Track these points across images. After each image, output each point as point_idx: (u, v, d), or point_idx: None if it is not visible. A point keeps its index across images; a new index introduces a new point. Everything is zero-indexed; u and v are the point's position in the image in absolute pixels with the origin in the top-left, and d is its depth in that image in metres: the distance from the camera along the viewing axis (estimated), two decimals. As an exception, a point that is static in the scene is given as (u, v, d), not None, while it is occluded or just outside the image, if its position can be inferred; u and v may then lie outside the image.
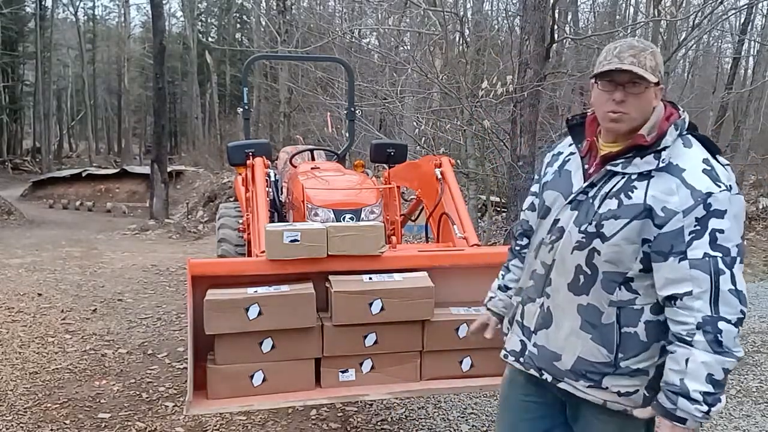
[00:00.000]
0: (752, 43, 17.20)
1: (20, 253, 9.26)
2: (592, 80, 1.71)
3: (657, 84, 1.67)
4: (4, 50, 31.99)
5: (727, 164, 1.66)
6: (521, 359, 1.88)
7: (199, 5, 40.34)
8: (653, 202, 1.60)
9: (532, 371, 1.85)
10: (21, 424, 3.52)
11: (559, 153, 1.91)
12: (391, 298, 2.64)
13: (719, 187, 1.58)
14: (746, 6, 13.82)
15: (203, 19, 41.86)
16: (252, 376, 2.60)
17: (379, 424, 3.65)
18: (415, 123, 10.42)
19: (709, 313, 1.56)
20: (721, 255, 1.56)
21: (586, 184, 1.73)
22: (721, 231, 1.57)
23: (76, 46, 39.00)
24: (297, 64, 17.04)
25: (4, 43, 32.17)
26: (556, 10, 8.37)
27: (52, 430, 3.48)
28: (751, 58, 18.56)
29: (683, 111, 1.72)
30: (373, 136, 9.81)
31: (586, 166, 1.78)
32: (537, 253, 1.85)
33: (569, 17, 14.26)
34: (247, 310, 2.51)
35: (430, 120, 9.74)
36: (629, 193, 1.64)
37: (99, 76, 42.75)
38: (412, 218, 4.89)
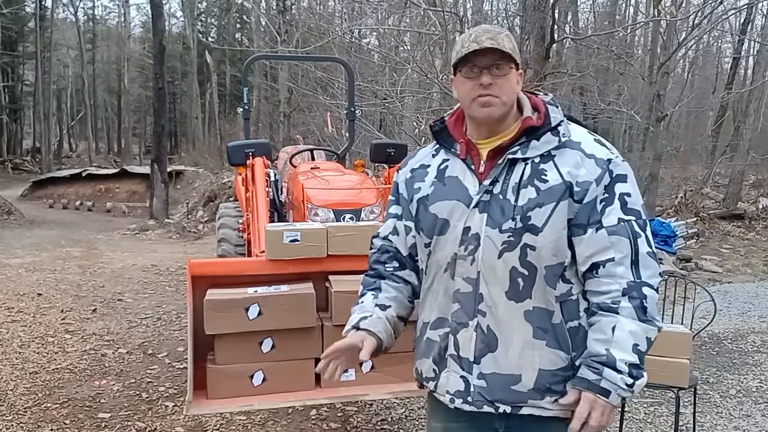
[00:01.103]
0: (752, 43, 17.21)
1: (20, 253, 9.26)
2: (452, 74, 1.61)
3: (518, 67, 1.59)
4: (4, 50, 31.96)
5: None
6: (469, 398, 1.59)
7: (199, 5, 40.33)
8: (571, 178, 1.52)
9: (486, 408, 1.58)
10: (21, 424, 3.51)
11: (424, 166, 1.70)
12: (391, 298, 2.64)
13: (613, 153, 1.57)
14: (746, 6, 13.83)
15: (203, 19, 41.85)
16: (252, 376, 2.60)
17: (379, 424, 3.65)
18: (415, 123, 10.43)
19: (632, 279, 1.50)
20: (634, 218, 1.52)
21: (488, 182, 1.56)
22: (629, 194, 1.54)
23: (76, 46, 38.99)
24: (297, 64, 17.04)
25: (4, 43, 32.14)
26: (556, 10, 8.37)
27: (52, 430, 3.48)
28: (751, 58, 18.57)
29: (543, 92, 1.70)
30: (373, 136, 9.81)
31: (473, 167, 1.61)
32: (453, 270, 1.60)
33: (569, 17, 14.27)
34: (247, 310, 2.51)
35: (430, 120, 9.73)
36: (542, 176, 1.53)
37: (99, 76, 42.74)
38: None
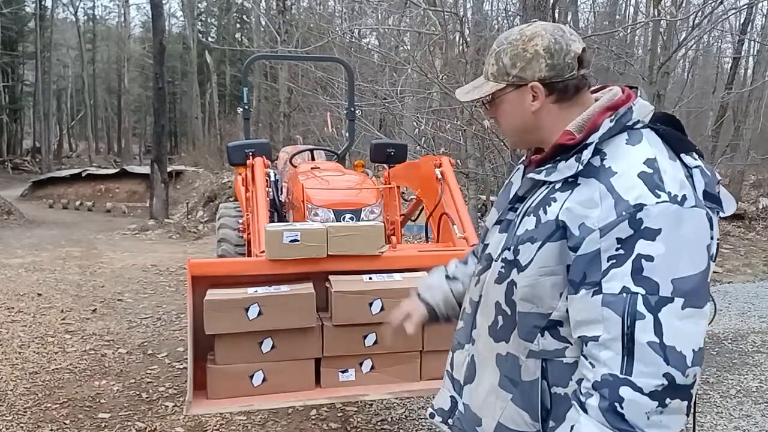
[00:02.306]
0: (752, 43, 17.20)
1: (20, 253, 9.27)
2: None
3: (517, 85, 1.30)
4: (4, 50, 31.97)
5: (697, 166, 1.23)
6: (450, 420, 1.50)
7: (199, 5, 40.34)
8: (567, 217, 1.20)
9: None
10: (21, 424, 3.51)
11: (521, 161, 1.51)
12: (391, 298, 2.64)
13: (657, 196, 1.14)
14: (746, 6, 13.82)
15: (203, 19, 41.86)
16: (252, 376, 2.60)
17: (379, 424, 3.65)
18: (415, 123, 10.43)
19: (616, 372, 1.13)
20: (644, 291, 1.12)
21: (513, 197, 1.38)
22: (650, 258, 1.13)
23: (76, 46, 39.01)
24: (297, 64, 17.05)
25: (4, 43, 32.15)
26: (556, 10, 8.37)
27: (52, 430, 3.48)
28: (751, 58, 18.56)
29: (638, 98, 1.29)
30: (373, 136, 9.81)
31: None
32: (469, 287, 1.49)
33: (569, 17, 14.25)
34: (247, 310, 2.51)
35: (430, 120, 9.75)
36: (547, 207, 1.25)
37: (99, 76, 42.76)
38: (412, 218, 4.89)
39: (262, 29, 21.88)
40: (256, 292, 2.56)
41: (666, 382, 1.11)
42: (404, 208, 4.83)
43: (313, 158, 5.08)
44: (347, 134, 5.93)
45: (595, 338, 1.16)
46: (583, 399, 1.18)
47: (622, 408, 1.12)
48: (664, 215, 1.14)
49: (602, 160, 1.23)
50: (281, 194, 4.53)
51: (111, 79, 43.12)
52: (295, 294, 2.59)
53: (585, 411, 1.17)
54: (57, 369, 4.36)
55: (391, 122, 12.10)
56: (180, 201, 19.21)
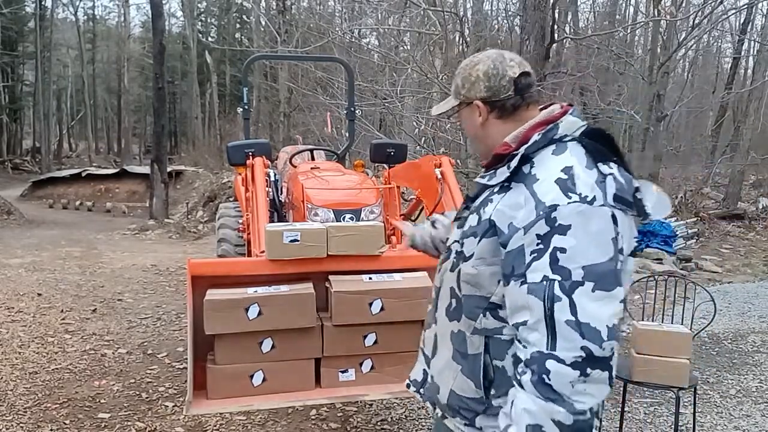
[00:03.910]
0: (752, 43, 17.21)
1: (20, 253, 9.27)
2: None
3: (466, 103, 1.57)
4: (4, 50, 31.96)
5: (610, 174, 1.39)
6: (422, 390, 1.70)
7: (199, 5, 40.34)
8: (498, 218, 1.41)
9: (428, 404, 1.69)
10: (21, 424, 3.51)
11: None
12: (391, 298, 2.64)
13: (569, 198, 1.33)
14: (746, 6, 13.83)
15: (203, 18, 41.86)
16: (252, 376, 2.60)
17: (379, 424, 3.65)
18: (415, 123, 10.43)
19: (543, 349, 1.30)
20: (559, 278, 1.30)
21: (465, 198, 1.61)
22: (563, 250, 1.30)
23: (76, 46, 39.00)
24: (297, 64, 17.04)
25: (4, 43, 32.14)
26: (556, 10, 8.37)
27: (52, 430, 3.48)
28: (751, 58, 18.56)
29: (568, 116, 1.48)
30: (373, 136, 9.81)
31: None
32: (436, 274, 1.71)
33: (569, 17, 14.25)
34: (247, 310, 2.51)
35: (430, 120, 9.75)
36: (485, 207, 1.46)
37: (99, 76, 42.75)
38: (412, 218, 4.89)
39: (262, 29, 21.89)
40: (256, 292, 2.56)
41: (584, 354, 1.28)
42: (404, 208, 4.84)
43: (313, 158, 5.08)
44: (347, 134, 5.93)
45: (524, 323, 1.34)
46: (519, 377, 1.34)
47: (549, 379, 1.29)
48: (574, 213, 1.32)
49: (531, 168, 1.43)
50: (281, 194, 4.53)
51: (111, 79, 43.10)
52: (295, 294, 2.59)
53: (522, 387, 1.33)
54: (57, 369, 4.36)
55: (391, 122, 12.11)
56: (180, 201, 19.21)
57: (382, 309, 2.62)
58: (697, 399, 3.48)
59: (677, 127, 19.19)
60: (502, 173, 1.46)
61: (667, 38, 10.55)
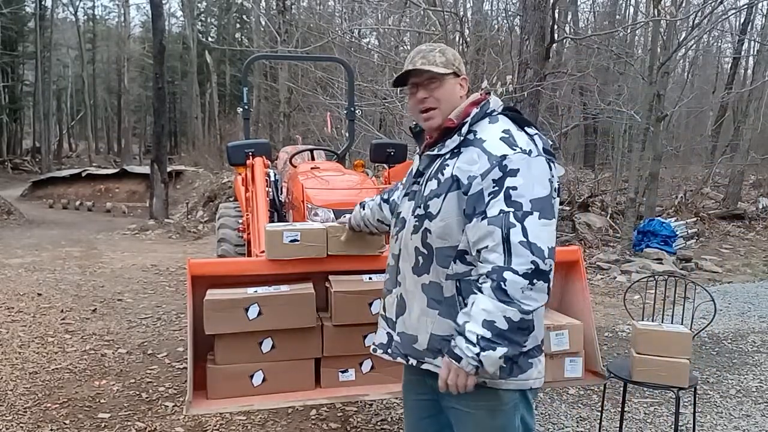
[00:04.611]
0: (752, 43, 17.21)
1: (20, 253, 9.27)
2: (399, 90, 1.83)
3: (457, 75, 1.87)
4: (4, 50, 31.94)
5: (536, 134, 1.78)
6: (389, 350, 1.97)
7: (199, 5, 40.34)
8: (458, 173, 1.74)
9: (399, 359, 1.94)
10: (21, 424, 3.52)
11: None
12: (391, 298, 2.64)
13: (514, 150, 1.70)
14: (746, 6, 13.84)
15: (203, 18, 41.85)
16: (252, 376, 2.60)
17: (379, 424, 3.65)
18: (414, 123, 10.41)
19: (500, 264, 1.63)
20: (513, 210, 1.64)
21: (414, 173, 1.94)
22: (515, 188, 1.66)
23: (76, 46, 38.99)
24: (297, 64, 17.04)
25: (4, 43, 32.12)
26: (556, 10, 8.37)
27: (51, 430, 3.48)
28: (751, 58, 18.58)
29: (492, 96, 1.89)
30: (373, 136, 9.82)
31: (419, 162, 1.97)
32: (390, 246, 2.00)
33: (569, 17, 14.27)
34: (247, 310, 2.51)
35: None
36: (443, 171, 1.79)
37: (99, 76, 42.74)
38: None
39: (262, 29, 21.88)
40: (256, 292, 2.56)
41: (533, 267, 1.63)
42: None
43: (313, 158, 5.08)
44: (347, 134, 5.93)
45: (486, 247, 1.67)
46: (479, 285, 1.66)
47: (505, 285, 1.62)
48: (520, 160, 1.69)
49: (474, 135, 1.80)
50: (281, 194, 4.53)
51: (111, 79, 43.09)
52: (295, 294, 2.59)
53: (481, 292, 1.65)
54: (57, 369, 4.36)
55: (391, 122, 12.12)
56: (180, 201, 19.22)
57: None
58: (697, 399, 3.48)
59: (677, 127, 19.20)
60: (453, 142, 1.81)
61: (667, 38, 10.54)
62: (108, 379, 4.22)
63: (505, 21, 11.63)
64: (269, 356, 2.60)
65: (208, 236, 11.91)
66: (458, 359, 1.66)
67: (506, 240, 1.63)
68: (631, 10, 18.48)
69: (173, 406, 3.79)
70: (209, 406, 2.60)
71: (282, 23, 17.53)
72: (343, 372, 2.73)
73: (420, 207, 1.83)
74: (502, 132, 1.76)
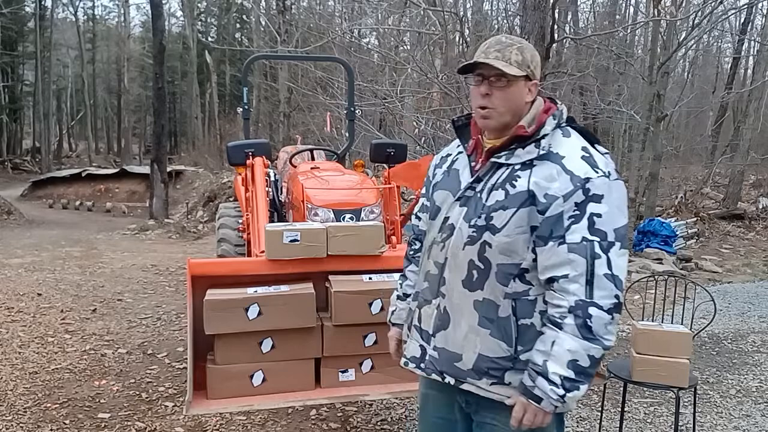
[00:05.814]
0: (752, 43, 17.21)
1: (20, 253, 9.26)
2: (464, 78, 1.77)
3: (528, 78, 1.70)
4: (4, 50, 31.92)
5: (607, 153, 1.69)
6: (422, 365, 1.84)
7: (199, 5, 40.30)
8: (536, 189, 1.61)
9: (434, 375, 1.80)
10: (21, 424, 3.51)
11: (448, 155, 1.91)
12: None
13: (597, 172, 1.60)
14: (746, 6, 13.84)
15: (203, 18, 41.81)
16: (252, 376, 2.60)
17: (379, 424, 3.65)
18: (415, 123, 10.43)
19: (583, 297, 1.56)
20: (598, 239, 1.57)
21: (472, 179, 1.74)
22: (599, 215, 1.57)
23: (75, 46, 38.96)
24: (297, 64, 17.04)
25: (4, 43, 32.11)
26: (556, 10, 8.37)
27: (51, 430, 3.48)
28: (751, 58, 18.58)
29: (561, 104, 1.76)
30: (373, 136, 9.81)
31: (473, 163, 1.78)
32: (429, 253, 1.82)
33: (569, 17, 14.26)
34: (247, 310, 2.51)
35: (430, 120, 9.74)
36: (513, 182, 1.65)
37: (99, 76, 42.71)
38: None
39: (262, 29, 21.89)
40: (256, 292, 2.56)
41: (616, 301, 1.58)
42: (404, 208, 4.84)
43: (313, 158, 5.08)
44: (347, 134, 5.93)
45: (565, 276, 1.58)
46: (559, 321, 1.58)
47: (591, 322, 1.55)
48: (602, 185, 1.60)
49: (549, 147, 1.66)
50: (281, 194, 4.53)
51: (111, 79, 43.06)
52: (295, 294, 2.59)
53: (562, 329, 1.57)
54: (57, 369, 4.36)
55: (391, 122, 12.11)
56: (180, 201, 19.21)
57: (382, 309, 2.62)
58: (697, 399, 3.48)
59: (677, 127, 19.18)
60: (528, 153, 1.66)
61: (667, 38, 10.54)
62: (108, 379, 4.21)
63: (505, 21, 11.62)
64: (269, 356, 2.60)
65: (208, 236, 11.90)
66: (538, 400, 1.59)
67: (590, 271, 1.56)
68: (631, 10, 18.47)
69: (173, 406, 3.79)
70: (209, 406, 2.61)
71: (282, 23, 17.54)
72: (343, 372, 2.73)
73: (480, 217, 1.67)
74: (582, 150, 1.65)
